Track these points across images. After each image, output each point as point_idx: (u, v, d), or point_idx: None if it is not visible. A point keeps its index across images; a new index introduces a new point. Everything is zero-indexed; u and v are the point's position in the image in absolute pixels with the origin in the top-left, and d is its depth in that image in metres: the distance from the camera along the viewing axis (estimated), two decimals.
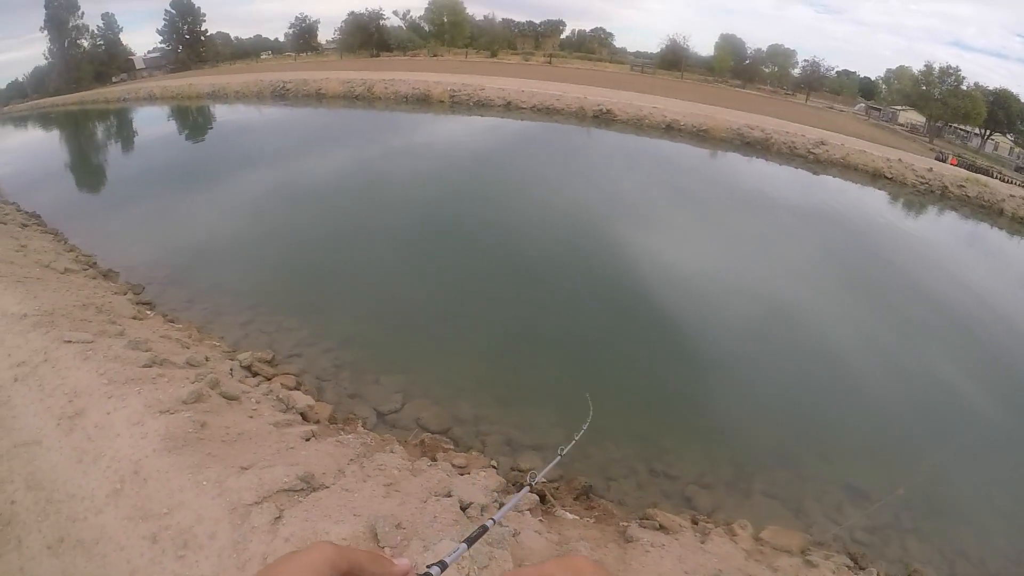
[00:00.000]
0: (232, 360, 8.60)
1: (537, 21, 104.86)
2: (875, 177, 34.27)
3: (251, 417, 6.33)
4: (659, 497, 7.18)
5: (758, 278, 15.20)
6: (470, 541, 1.08)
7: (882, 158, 36.08)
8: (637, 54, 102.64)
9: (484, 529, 1.12)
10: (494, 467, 6.77)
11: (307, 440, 6.09)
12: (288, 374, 8.61)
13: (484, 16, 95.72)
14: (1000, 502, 8.29)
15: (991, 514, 8.01)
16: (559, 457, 2.47)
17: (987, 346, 13.62)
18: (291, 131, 33.32)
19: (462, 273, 13.77)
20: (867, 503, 7.54)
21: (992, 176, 39.87)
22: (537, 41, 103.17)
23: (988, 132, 64.43)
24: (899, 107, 71.32)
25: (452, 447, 7.49)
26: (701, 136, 36.44)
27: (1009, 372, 12.63)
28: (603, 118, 38.07)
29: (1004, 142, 65.26)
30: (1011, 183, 39.18)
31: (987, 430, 10.08)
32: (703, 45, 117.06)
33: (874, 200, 29.90)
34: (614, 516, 6.26)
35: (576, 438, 2.84)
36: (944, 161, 42.55)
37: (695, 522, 6.31)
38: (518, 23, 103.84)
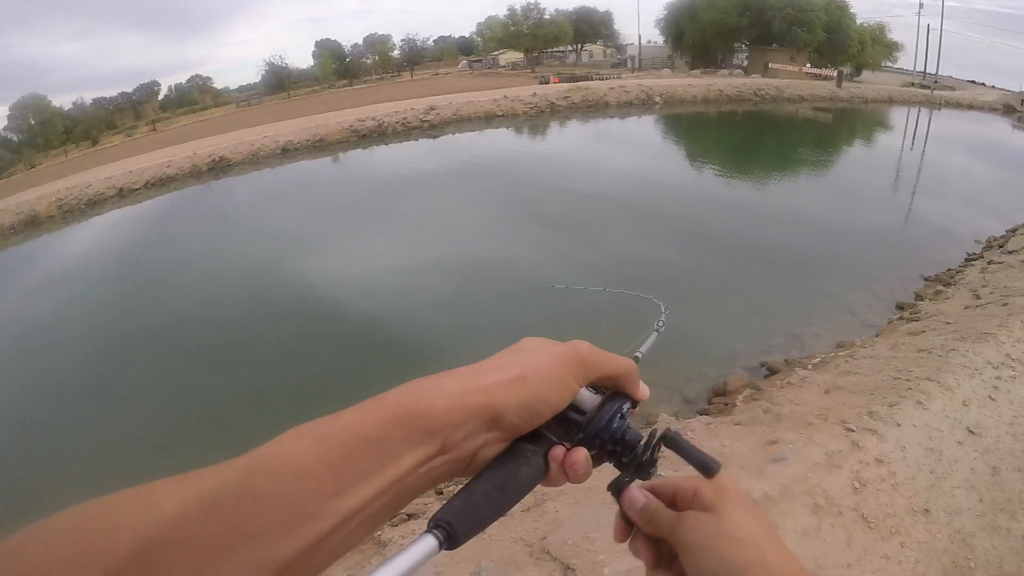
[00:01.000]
0: None
1: (130, 89, 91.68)
2: (489, 119, 34.98)
3: None
4: None
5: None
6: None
7: (489, 100, 36.40)
8: (242, 89, 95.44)
9: (636, 359, 0.96)
10: None
11: None
12: None
13: (73, 103, 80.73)
14: None
15: None
16: (666, 310, 1.68)
17: None
18: None
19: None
20: None
21: (592, 80, 43.01)
22: (136, 111, 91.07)
23: (580, 46, 71.07)
24: (498, 52, 75.22)
25: None
26: (319, 147, 34.39)
27: None
28: (219, 167, 34.16)
29: (597, 49, 73.32)
30: (608, 79, 43.01)
31: None
32: (303, 58, 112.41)
33: (498, 138, 31.29)
34: None
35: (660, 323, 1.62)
36: (548, 83, 44.42)
37: None
38: (111, 98, 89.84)
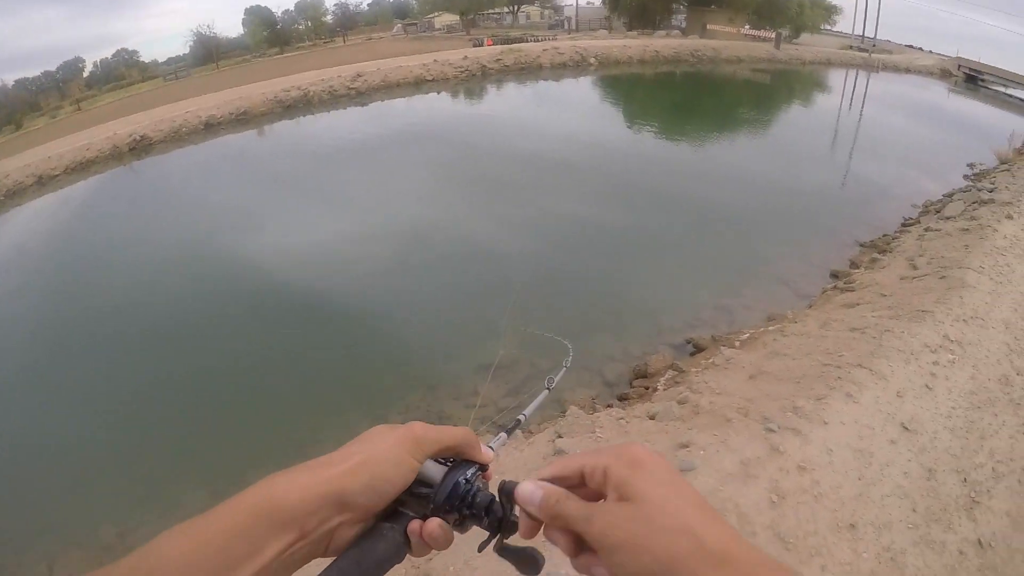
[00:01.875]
0: None
1: (53, 68, 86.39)
2: (419, 84, 34.00)
3: None
4: None
5: None
6: (508, 431, 1.04)
7: (419, 65, 35.39)
8: (171, 61, 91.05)
9: (518, 422, 1.11)
10: None
11: None
12: None
13: None
14: None
15: None
16: (565, 368, 1.79)
17: None
18: None
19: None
20: None
21: (526, 42, 41.62)
22: (61, 90, 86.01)
23: (516, 8, 69.78)
24: (433, 15, 72.27)
25: None
26: (243, 121, 33.07)
27: None
28: (140, 147, 32.58)
29: (534, 11, 71.73)
30: (544, 40, 41.74)
31: None
32: (233, 27, 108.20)
33: (423, 104, 30.36)
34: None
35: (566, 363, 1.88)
36: (482, 45, 43.17)
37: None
38: (33, 79, 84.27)
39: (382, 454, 0.66)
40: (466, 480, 0.72)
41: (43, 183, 30.89)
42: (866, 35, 48.33)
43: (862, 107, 28.03)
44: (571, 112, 25.30)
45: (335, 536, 0.63)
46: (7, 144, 50.99)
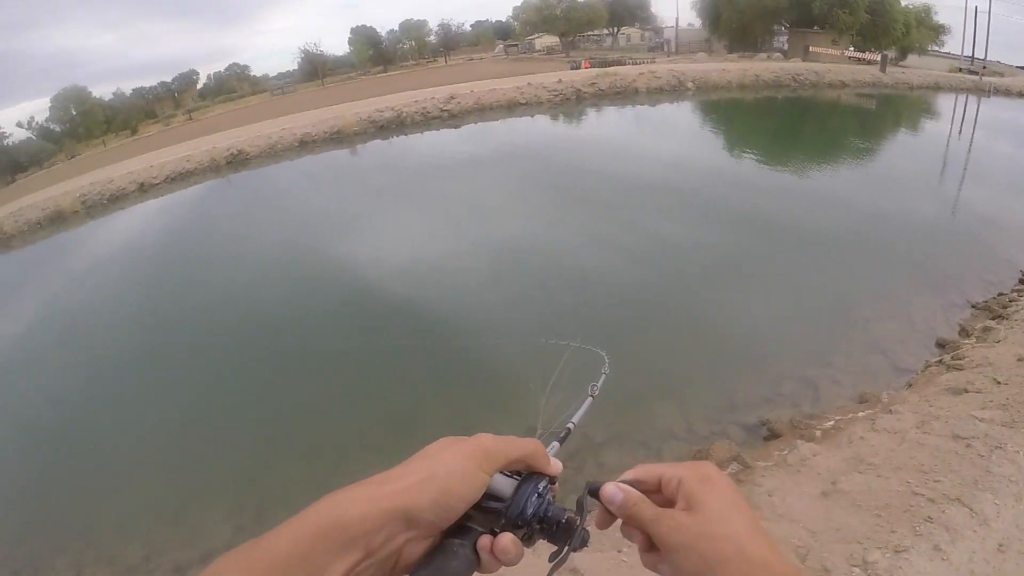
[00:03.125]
0: None
1: (169, 79, 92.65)
2: (512, 108, 34.03)
3: None
4: None
5: None
6: (561, 440, 1.03)
7: (512, 88, 35.33)
8: (280, 76, 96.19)
9: (568, 431, 1.10)
10: None
11: None
12: None
13: (113, 94, 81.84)
14: None
15: None
16: (605, 374, 1.66)
17: None
18: None
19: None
20: None
21: (625, 64, 41.20)
22: (175, 100, 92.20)
23: (616, 29, 69.53)
24: (534, 37, 73.23)
25: None
26: (336, 139, 33.87)
27: None
28: (237, 160, 34.34)
29: (634, 32, 71.25)
30: (641, 63, 41.09)
31: None
32: (339, 45, 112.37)
33: (522, 126, 30.63)
34: None
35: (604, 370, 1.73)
36: (579, 68, 42.88)
37: None
38: (151, 88, 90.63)
39: (450, 468, 0.65)
40: (538, 495, 0.71)
41: (144, 190, 33.14)
42: (976, 56, 45.45)
43: (972, 135, 25.71)
44: (665, 138, 24.60)
45: (403, 554, 0.62)
46: (122, 148, 55.38)
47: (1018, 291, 9.93)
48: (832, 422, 6.71)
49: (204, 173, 34.11)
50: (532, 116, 32.06)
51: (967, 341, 8.32)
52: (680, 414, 7.41)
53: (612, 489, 0.74)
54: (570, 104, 33.56)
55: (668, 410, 7.43)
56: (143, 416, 9.07)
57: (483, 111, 33.95)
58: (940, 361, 7.88)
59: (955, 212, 15.07)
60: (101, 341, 12.09)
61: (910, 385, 7.50)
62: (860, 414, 6.80)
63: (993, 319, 8.83)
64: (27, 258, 26.80)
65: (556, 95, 34.20)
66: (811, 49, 39.60)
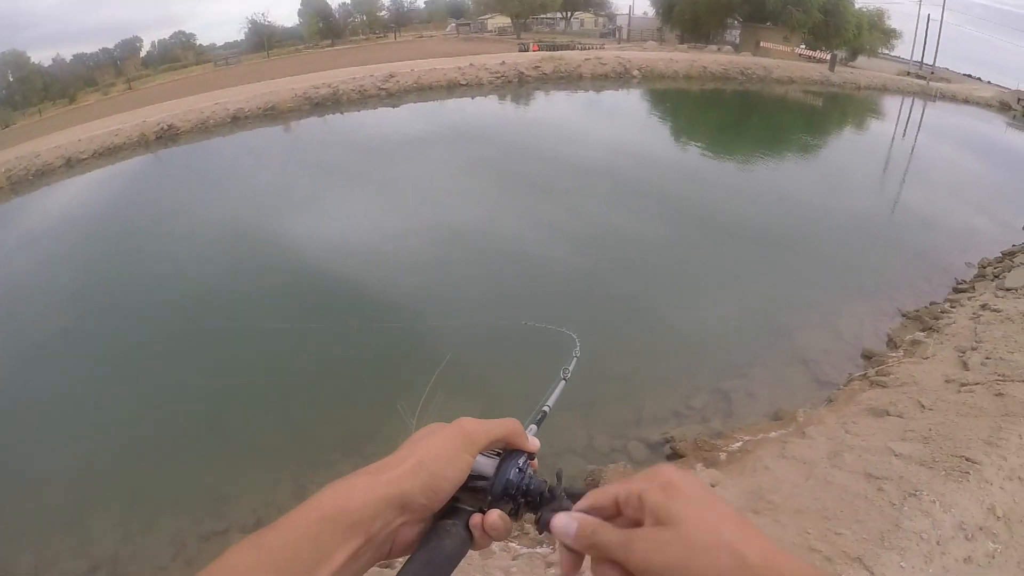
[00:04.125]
0: None
1: (111, 46, 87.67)
2: (452, 88, 33.04)
3: None
4: None
5: None
6: (537, 423, 1.05)
7: (454, 68, 34.31)
8: (228, 46, 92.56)
9: (544, 413, 1.12)
10: None
11: None
12: None
13: (52, 59, 76.10)
14: None
15: None
16: (576, 357, 1.66)
17: None
18: None
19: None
20: None
21: (574, 49, 40.35)
22: (118, 68, 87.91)
23: (570, 14, 68.08)
24: (487, 17, 71.34)
25: None
26: (270, 115, 32.76)
27: None
28: (167, 136, 32.91)
29: (589, 18, 70.00)
30: (591, 48, 40.36)
31: None
32: (289, 17, 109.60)
33: (462, 107, 30.13)
34: None
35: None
36: (527, 50, 42.21)
37: None
38: (92, 55, 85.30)
39: (436, 453, 0.68)
40: (519, 469, 0.74)
41: (71, 165, 31.28)
42: (924, 62, 45.96)
43: (915, 138, 25.71)
44: (607, 125, 24.03)
45: (397, 537, 0.66)
46: (58, 117, 52.86)
47: (951, 301, 9.42)
48: (740, 443, 6.06)
49: (133, 148, 32.68)
50: (472, 98, 31.34)
51: (894, 354, 7.74)
52: (583, 426, 6.80)
53: (563, 519, 0.66)
54: (512, 87, 32.88)
55: (570, 420, 6.77)
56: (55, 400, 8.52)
57: (423, 91, 33.10)
58: (864, 375, 7.26)
59: (894, 214, 14.86)
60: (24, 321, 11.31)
61: (830, 401, 6.88)
62: (772, 434, 6.12)
63: (923, 331, 8.30)
64: None
65: (498, 77, 33.43)
66: (762, 44, 39.40)
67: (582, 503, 0.68)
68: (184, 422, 7.61)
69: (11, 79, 69.11)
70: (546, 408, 1.12)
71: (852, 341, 8.44)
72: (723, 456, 5.75)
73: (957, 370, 6.57)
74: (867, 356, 7.95)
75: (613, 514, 0.65)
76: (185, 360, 8.90)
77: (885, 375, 6.97)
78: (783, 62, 34.71)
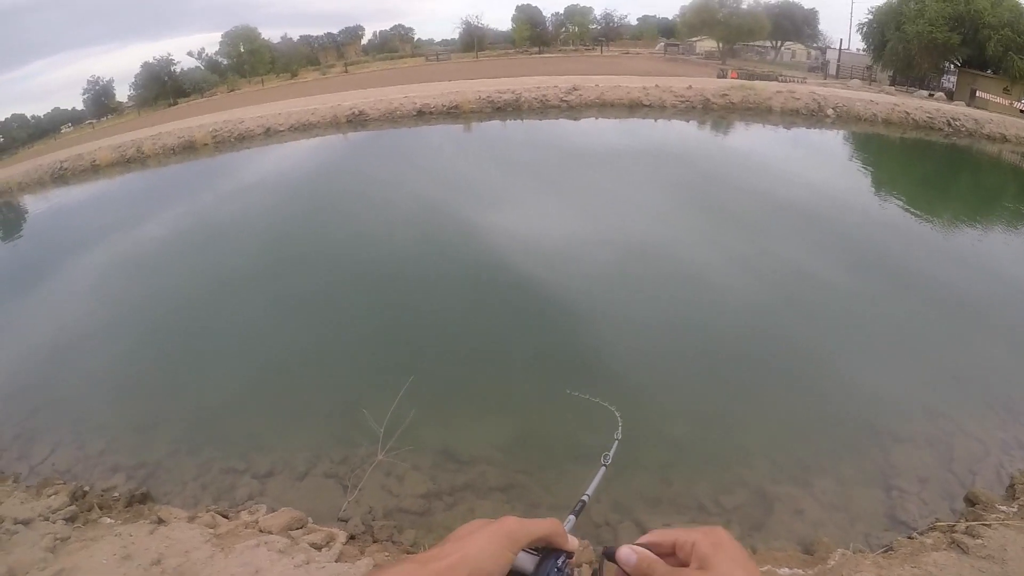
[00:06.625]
0: None
1: (336, 31, 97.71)
2: (634, 108, 33.05)
3: None
4: None
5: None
6: (576, 513, 1.13)
7: (639, 88, 34.18)
8: (444, 43, 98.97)
9: (583, 503, 1.18)
10: None
11: None
12: None
13: (281, 37, 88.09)
14: None
15: None
16: (618, 440, 1.79)
17: None
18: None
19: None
20: None
21: (774, 80, 38.22)
22: (339, 51, 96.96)
23: (780, 43, 66.05)
24: (696, 39, 69.92)
25: None
26: (453, 114, 34.69)
27: None
28: (357, 120, 36.46)
29: (800, 49, 67.34)
30: (790, 81, 38.08)
31: None
32: (502, 21, 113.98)
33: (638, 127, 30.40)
34: None
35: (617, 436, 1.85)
36: (725, 76, 41.16)
37: None
38: (317, 37, 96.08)
39: (479, 549, 0.72)
40: (558, 569, 0.78)
41: (269, 135, 35.67)
42: None
43: None
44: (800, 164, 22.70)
45: None
46: (277, 89, 59.94)
47: None
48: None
49: (325, 128, 36.18)
50: (655, 120, 30.83)
51: (1003, 508, 6.07)
52: (592, 500, 5.93)
53: (627, 551, 0.78)
54: (696, 113, 31.99)
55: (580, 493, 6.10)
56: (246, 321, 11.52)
57: (603, 107, 33.13)
58: (951, 527, 5.75)
59: None
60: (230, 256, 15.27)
61: (888, 550, 5.52)
62: (783, 570, 4.99)
63: None
64: (166, 177, 31.15)
65: (683, 101, 32.69)
66: (978, 94, 34.51)
67: (644, 538, 0.81)
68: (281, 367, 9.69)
69: (242, 50, 79.80)
70: (585, 497, 1.16)
71: (962, 475, 6.61)
72: None
73: None
74: (970, 501, 6.33)
75: (667, 552, 0.78)
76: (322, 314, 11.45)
77: (973, 536, 5.49)
78: (998, 116, 29.92)
